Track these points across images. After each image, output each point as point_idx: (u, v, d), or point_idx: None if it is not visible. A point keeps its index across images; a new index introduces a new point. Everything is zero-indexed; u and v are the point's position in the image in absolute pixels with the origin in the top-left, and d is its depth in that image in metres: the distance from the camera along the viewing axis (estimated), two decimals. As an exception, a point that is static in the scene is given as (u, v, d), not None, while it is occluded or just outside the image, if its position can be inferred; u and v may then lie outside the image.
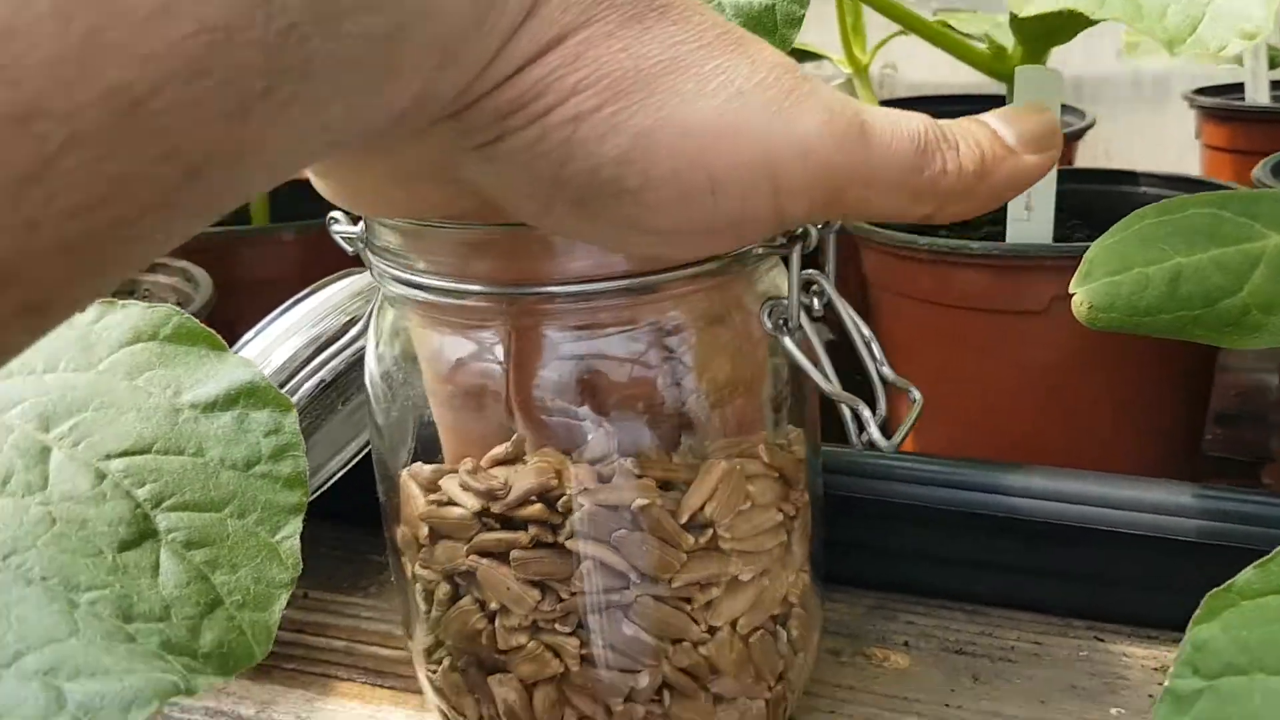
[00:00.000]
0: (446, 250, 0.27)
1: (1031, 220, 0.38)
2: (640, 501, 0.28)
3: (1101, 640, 0.38)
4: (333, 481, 0.43)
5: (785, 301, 0.27)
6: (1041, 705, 0.35)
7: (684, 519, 0.28)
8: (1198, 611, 0.24)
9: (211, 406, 0.27)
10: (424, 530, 0.30)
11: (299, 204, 0.60)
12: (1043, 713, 0.34)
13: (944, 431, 0.41)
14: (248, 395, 0.27)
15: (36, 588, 0.22)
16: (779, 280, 0.29)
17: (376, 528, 0.47)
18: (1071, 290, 0.31)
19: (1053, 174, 0.40)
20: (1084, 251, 0.34)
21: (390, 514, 0.33)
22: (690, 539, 0.28)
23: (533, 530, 0.28)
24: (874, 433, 0.27)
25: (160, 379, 0.27)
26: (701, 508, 0.28)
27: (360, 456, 0.42)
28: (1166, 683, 0.24)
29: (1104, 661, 0.37)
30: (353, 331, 0.34)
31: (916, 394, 0.29)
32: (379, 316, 0.32)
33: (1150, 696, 0.35)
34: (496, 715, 0.30)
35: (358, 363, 0.36)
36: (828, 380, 0.27)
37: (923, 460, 0.37)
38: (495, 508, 0.28)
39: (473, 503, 0.29)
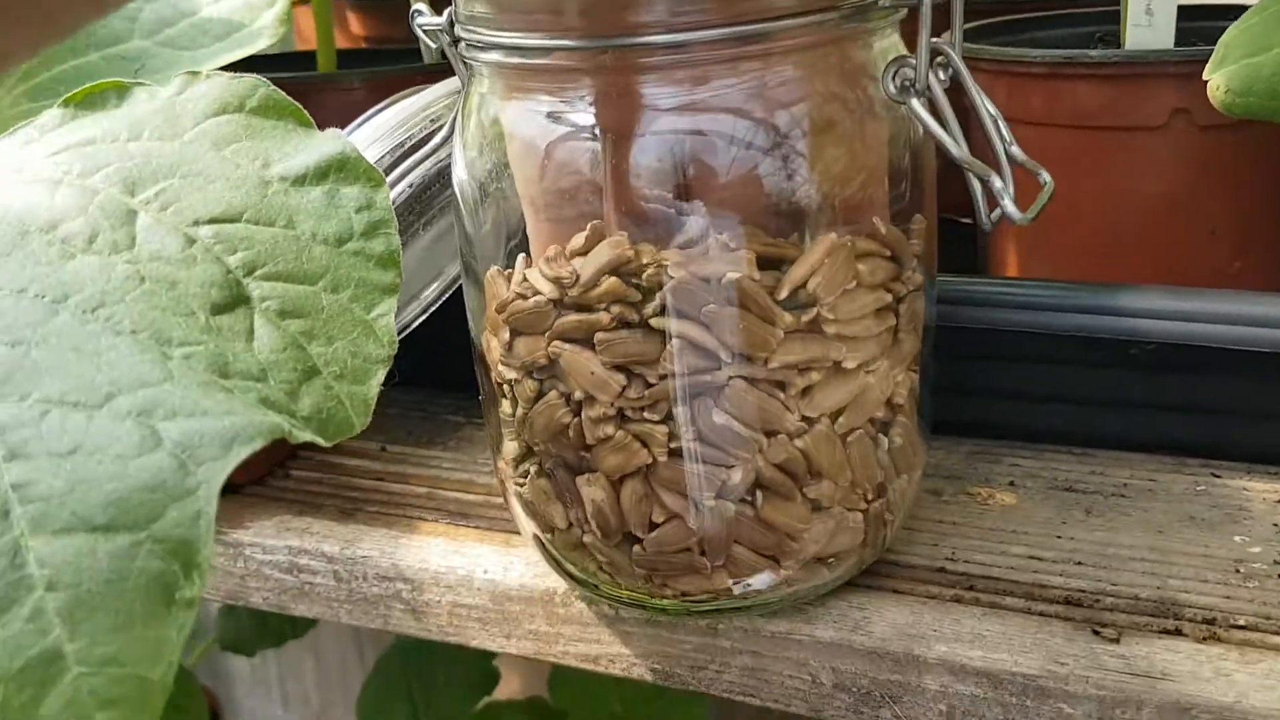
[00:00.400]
0: (538, 3, 0.25)
1: (1152, 25, 0.36)
2: (732, 274, 0.26)
3: (1219, 477, 0.36)
4: (409, 332, 0.41)
5: (912, 61, 0.25)
6: (1159, 535, 0.33)
7: (784, 293, 0.26)
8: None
9: (301, 180, 0.25)
10: (505, 331, 0.29)
11: (365, 57, 0.59)
12: (1161, 542, 0.33)
13: (1059, 262, 0.39)
14: (338, 169, 0.25)
15: (126, 339, 0.21)
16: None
17: (453, 391, 0.47)
18: (1206, 76, 0.29)
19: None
20: (1209, 56, 0.31)
21: (477, 321, 0.31)
22: (789, 317, 0.26)
23: (615, 309, 0.26)
24: (1008, 205, 0.25)
25: (248, 150, 0.25)
26: (804, 283, 0.26)
27: (437, 305, 0.41)
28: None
29: (1223, 495, 0.35)
30: (437, 138, 0.32)
31: (1046, 176, 0.27)
32: (465, 119, 0.30)
33: (1275, 525, 0.33)
34: (585, 519, 0.29)
35: (441, 179, 0.35)
36: (959, 146, 0.25)
37: (1031, 284, 0.35)
38: (572, 291, 0.27)
39: (549, 289, 0.27)
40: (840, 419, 0.28)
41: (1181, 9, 0.40)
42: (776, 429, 0.27)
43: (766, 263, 0.27)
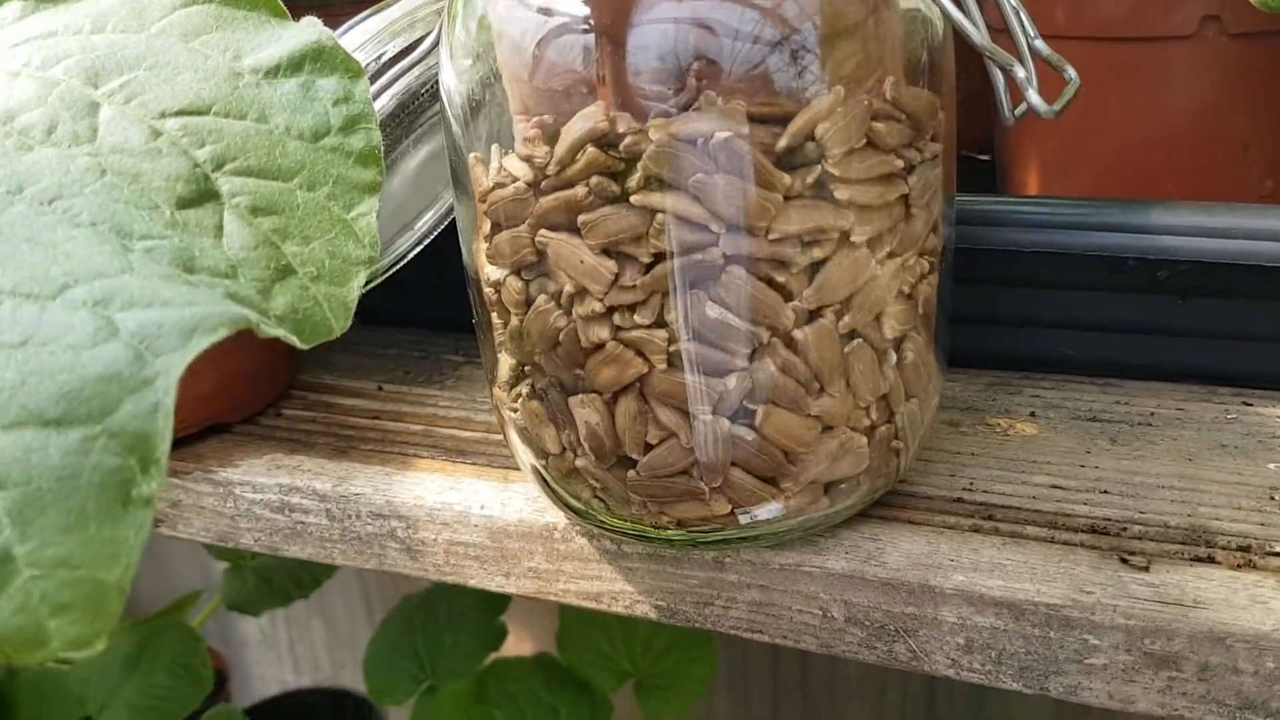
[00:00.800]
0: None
1: (1186, -76, 0.34)
2: (722, 134, 0.24)
3: (1250, 405, 0.34)
4: (404, 264, 0.40)
5: (930, -60, 0.24)
6: (1189, 463, 0.31)
7: (783, 144, 0.24)
8: None
9: (275, 71, 0.24)
10: (487, 224, 0.27)
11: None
12: (1191, 470, 0.31)
13: (1079, 183, 0.37)
14: (314, 59, 0.24)
15: (85, 230, 0.20)
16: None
17: (452, 330, 0.45)
18: (1249, -33, 0.27)
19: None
20: (1248, -44, 0.29)
21: (468, 238, 0.29)
22: (789, 179, 0.24)
23: (593, 181, 0.25)
24: (1032, 97, 0.23)
25: (218, 41, 0.24)
26: (810, 135, 0.24)
27: (433, 235, 0.39)
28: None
29: (1256, 423, 0.33)
30: (424, 45, 0.30)
31: (1072, 72, 0.25)
32: (450, 20, 0.28)
33: (1314, 454, 0.31)
34: (578, 442, 0.28)
35: (430, 91, 0.33)
36: (979, 32, 0.23)
37: (1051, 202, 0.33)
38: (549, 169, 0.25)
39: (524, 171, 0.25)
40: (845, 317, 0.26)
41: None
42: (774, 324, 0.25)
43: (764, 121, 0.25)
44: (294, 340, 0.20)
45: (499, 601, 0.73)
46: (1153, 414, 0.34)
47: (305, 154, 0.23)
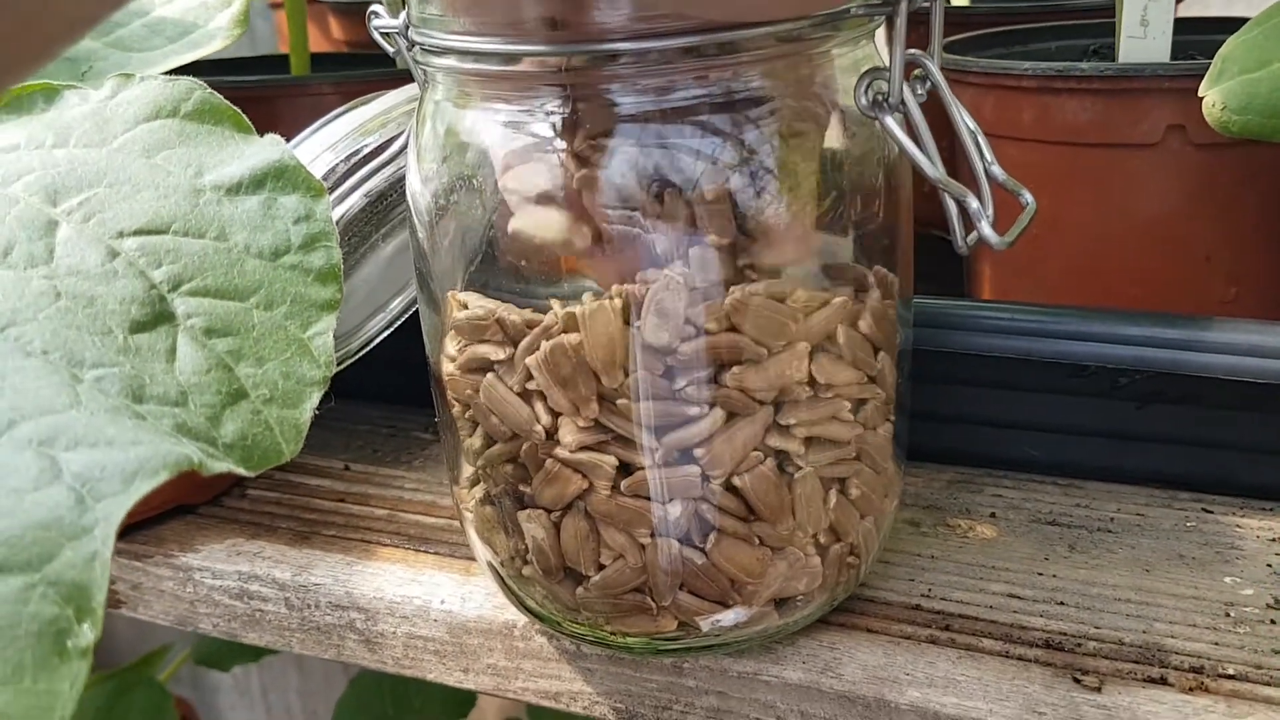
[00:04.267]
0: (498, 6, 0.24)
1: (1148, 37, 0.34)
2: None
3: (1210, 512, 0.34)
4: (373, 346, 0.40)
5: (886, 74, 0.24)
6: (1146, 574, 0.31)
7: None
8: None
9: (236, 189, 0.24)
10: (452, 343, 0.27)
11: (341, 61, 0.58)
12: (1148, 582, 0.31)
13: (1046, 284, 0.38)
14: (275, 177, 0.24)
15: (36, 360, 0.20)
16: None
17: (420, 407, 0.45)
18: (1202, 92, 0.27)
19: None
20: (1207, 70, 0.30)
21: (432, 341, 0.30)
22: None
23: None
24: (984, 228, 0.24)
25: (180, 158, 0.24)
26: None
27: (404, 318, 0.39)
28: None
29: (1215, 532, 0.33)
30: (395, 145, 0.30)
31: (1029, 197, 0.25)
32: (420, 126, 0.29)
33: (1269, 566, 0.31)
34: (528, 551, 0.28)
35: (400, 188, 0.33)
36: (934, 166, 0.23)
37: (1015, 308, 0.34)
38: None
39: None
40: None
41: (1179, 21, 0.39)
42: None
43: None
44: (241, 470, 0.20)
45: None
46: (1112, 519, 0.34)
47: (264, 272, 0.23)
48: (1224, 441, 0.34)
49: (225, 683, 1.23)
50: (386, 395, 0.46)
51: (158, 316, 0.22)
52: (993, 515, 0.35)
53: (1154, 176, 0.34)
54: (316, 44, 0.67)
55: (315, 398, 0.23)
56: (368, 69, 0.49)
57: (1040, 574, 0.32)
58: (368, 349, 0.39)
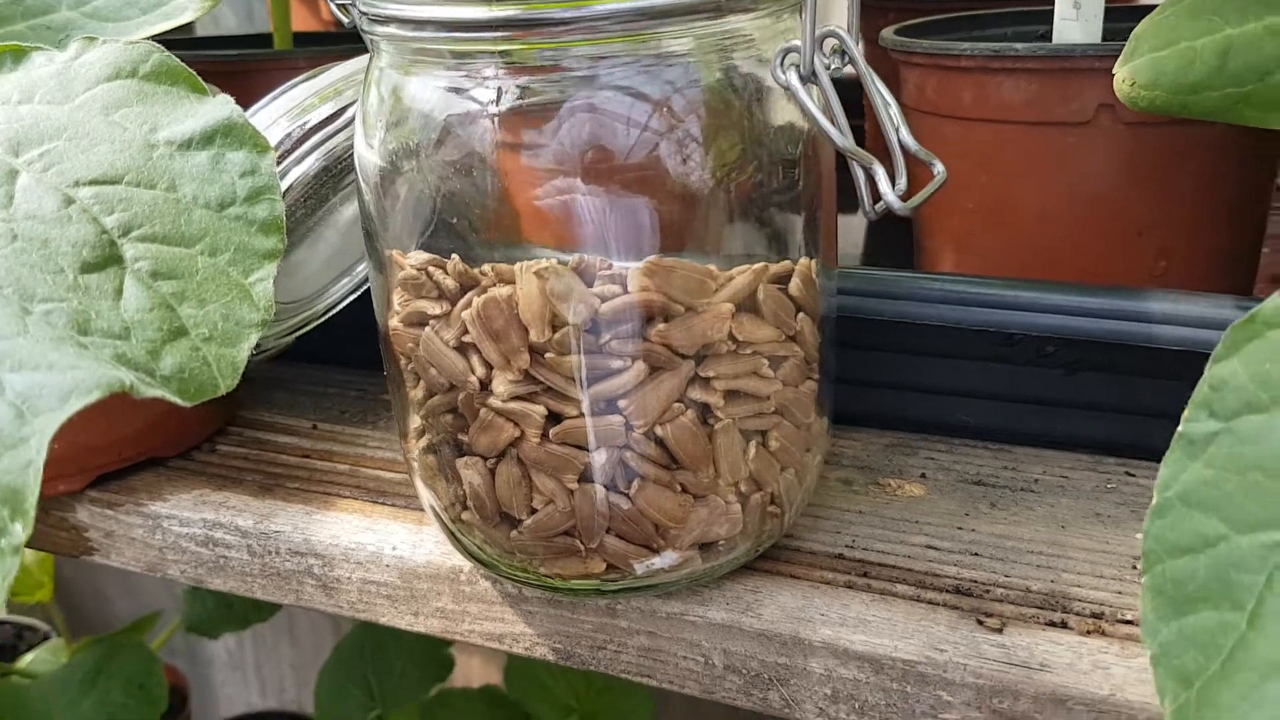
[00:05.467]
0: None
1: (1080, 19, 0.36)
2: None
3: (1133, 475, 0.36)
4: (339, 310, 0.41)
5: (800, 49, 0.25)
6: (1062, 530, 0.33)
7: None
8: (1217, 348, 0.22)
9: (187, 144, 0.25)
10: (396, 298, 0.29)
11: (323, 39, 0.59)
12: (1062, 537, 0.33)
13: (989, 259, 0.39)
14: (224, 133, 0.25)
15: (-11, 293, 0.21)
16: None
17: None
18: (1115, 70, 0.29)
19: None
20: (1132, 52, 0.31)
21: (380, 301, 0.31)
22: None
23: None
24: (888, 194, 0.25)
25: (137, 115, 0.25)
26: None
27: (366, 285, 0.41)
28: (1180, 428, 0.23)
29: (1134, 494, 0.35)
30: (350, 112, 0.32)
31: (940, 166, 0.27)
32: (365, 93, 0.30)
33: (1179, 525, 0.33)
34: (464, 498, 0.30)
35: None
36: (842, 135, 0.25)
37: (950, 279, 0.35)
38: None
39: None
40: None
41: (1117, 10, 0.40)
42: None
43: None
44: (176, 399, 0.22)
45: (450, 632, 0.74)
46: (1037, 480, 0.36)
47: (210, 221, 0.25)
48: (1148, 408, 0.35)
49: (219, 657, 1.25)
50: (356, 361, 0.48)
51: (107, 259, 0.23)
52: (923, 476, 0.36)
53: (1086, 154, 0.36)
54: (307, 25, 0.69)
55: (253, 338, 0.24)
56: (346, 44, 0.51)
57: (960, 528, 0.33)
58: (333, 312, 0.41)
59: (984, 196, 0.38)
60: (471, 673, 0.93)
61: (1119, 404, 0.36)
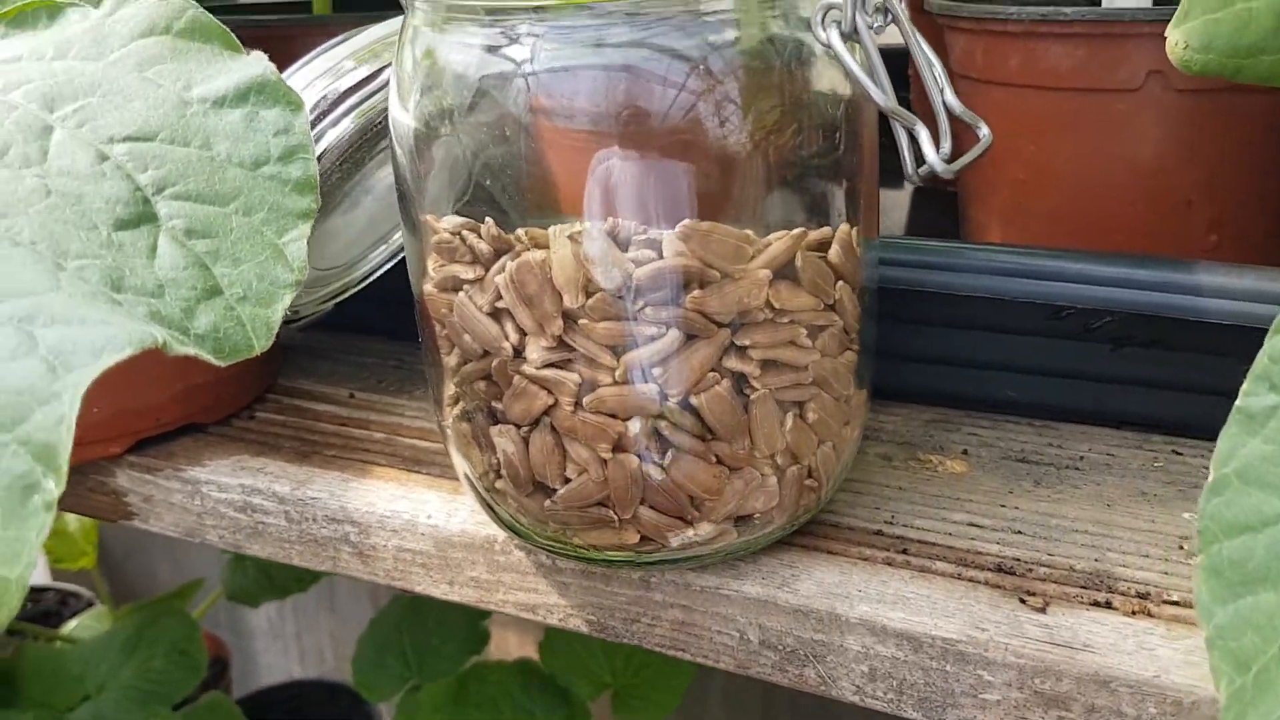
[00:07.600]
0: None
1: (1130, -15, 0.35)
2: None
3: (1180, 454, 0.35)
4: (377, 278, 0.41)
5: (841, 5, 0.25)
6: (1108, 509, 0.32)
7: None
8: (1277, 319, 0.21)
9: (221, 102, 0.25)
10: (431, 263, 0.29)
11: (365, 4, 0.59)
12: (1107, 515, 0.32)
13: (1031, 230, 0.38)
14: (258, 91, 0.25)
15: (24, 249, 0.21)
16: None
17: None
18: (1167, 33, 0.28)
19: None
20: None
21: (415, 268, 0.31)
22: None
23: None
24: (931, 155, 0.24)
25: (171, 72, 0.25)
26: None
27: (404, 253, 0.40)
28: (1237, 402, 0.22)
29: (1181, 472, 0.34)
30: (386, 74, 0.32)
31: (985, 129, 0.26)
32: (400, 53, 0.30)
33: (1230, 505, 0.32)
34: (500, 466, 0.29)
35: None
36: (884, 95, 0.24)
37: (994, 249, 0.35)
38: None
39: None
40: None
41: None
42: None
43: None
44: (210, 358, 0.22)
45: (486, 605, 0.74)
46: (1082, 458, 0.35)
47: (244, 180, 0.24)
48: (1197, 385, 0.35)
49: (260, 627, 1.27)
50: (395, 331, 0.48)
51: (141, 216, 0.23)
52: (965, 452, 0.36)
53: (1135, 122, 0.35)
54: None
55: (287, 299, 0.24)
56: (388, 11, 0.50)
57: (1003, 506, 0.33)
58: (370, 279, 0.41)
59: (1030, 165, 0.37)
60: (508, 646, 0.93)
61: (1168, 380, 0.35)
